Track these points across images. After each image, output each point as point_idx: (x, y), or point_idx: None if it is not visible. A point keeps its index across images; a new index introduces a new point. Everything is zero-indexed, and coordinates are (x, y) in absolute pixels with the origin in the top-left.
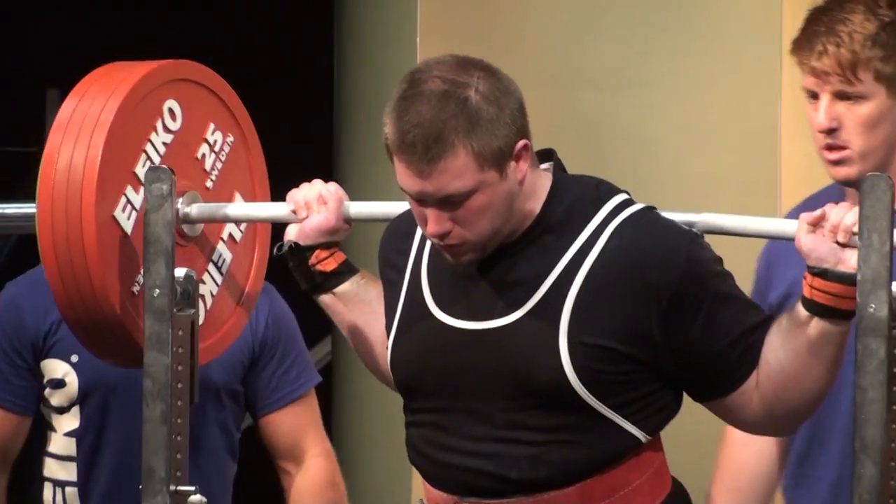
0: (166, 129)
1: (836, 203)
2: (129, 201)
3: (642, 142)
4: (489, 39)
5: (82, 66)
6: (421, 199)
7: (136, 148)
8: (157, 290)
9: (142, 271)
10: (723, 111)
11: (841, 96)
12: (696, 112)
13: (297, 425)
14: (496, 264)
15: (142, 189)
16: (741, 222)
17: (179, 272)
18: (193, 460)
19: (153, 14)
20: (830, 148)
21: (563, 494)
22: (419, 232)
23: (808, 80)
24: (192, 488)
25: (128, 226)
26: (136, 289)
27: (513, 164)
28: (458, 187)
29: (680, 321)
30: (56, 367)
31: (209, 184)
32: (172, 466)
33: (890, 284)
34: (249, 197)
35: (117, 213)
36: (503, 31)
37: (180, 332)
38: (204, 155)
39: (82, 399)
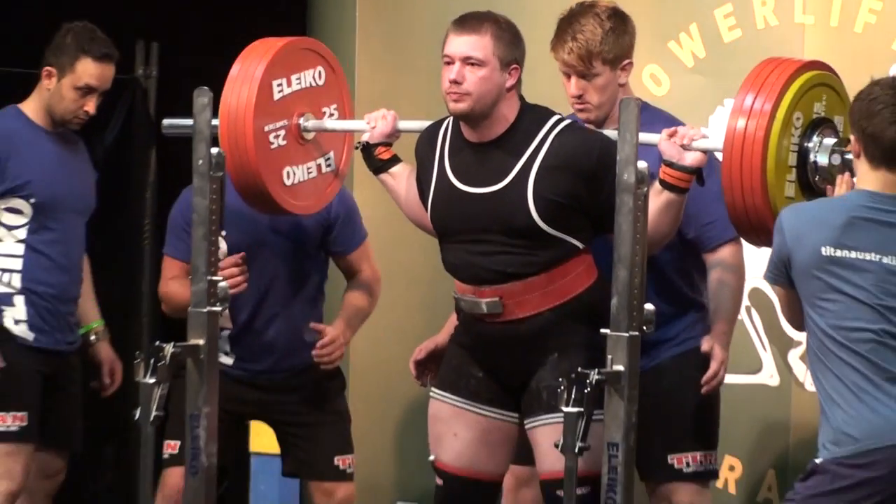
0: (313, 77)
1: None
2: (281, 84)
3: None
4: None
5: None
6: (451, 60)
7: (291, 68)
8: (200, 161)
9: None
10: None
11: (583, 76)
12: None
13: (354, 261)
14: (487, 154)
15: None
16: (643, 136)
17: (214, 150)
18: (292, 305)
19: None
20: (579, 107)
21: (537, 279)
22: (441, 134)
23: (562, 66)
24: (221, 277)
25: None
26: (287, 181)
27: (507, 74)
28: (476, 54)
29: (597, 185)
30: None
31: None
32: (209, 265)
33: (636, 163)
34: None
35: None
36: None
37: (214, 186)
38: (325, 114)
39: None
